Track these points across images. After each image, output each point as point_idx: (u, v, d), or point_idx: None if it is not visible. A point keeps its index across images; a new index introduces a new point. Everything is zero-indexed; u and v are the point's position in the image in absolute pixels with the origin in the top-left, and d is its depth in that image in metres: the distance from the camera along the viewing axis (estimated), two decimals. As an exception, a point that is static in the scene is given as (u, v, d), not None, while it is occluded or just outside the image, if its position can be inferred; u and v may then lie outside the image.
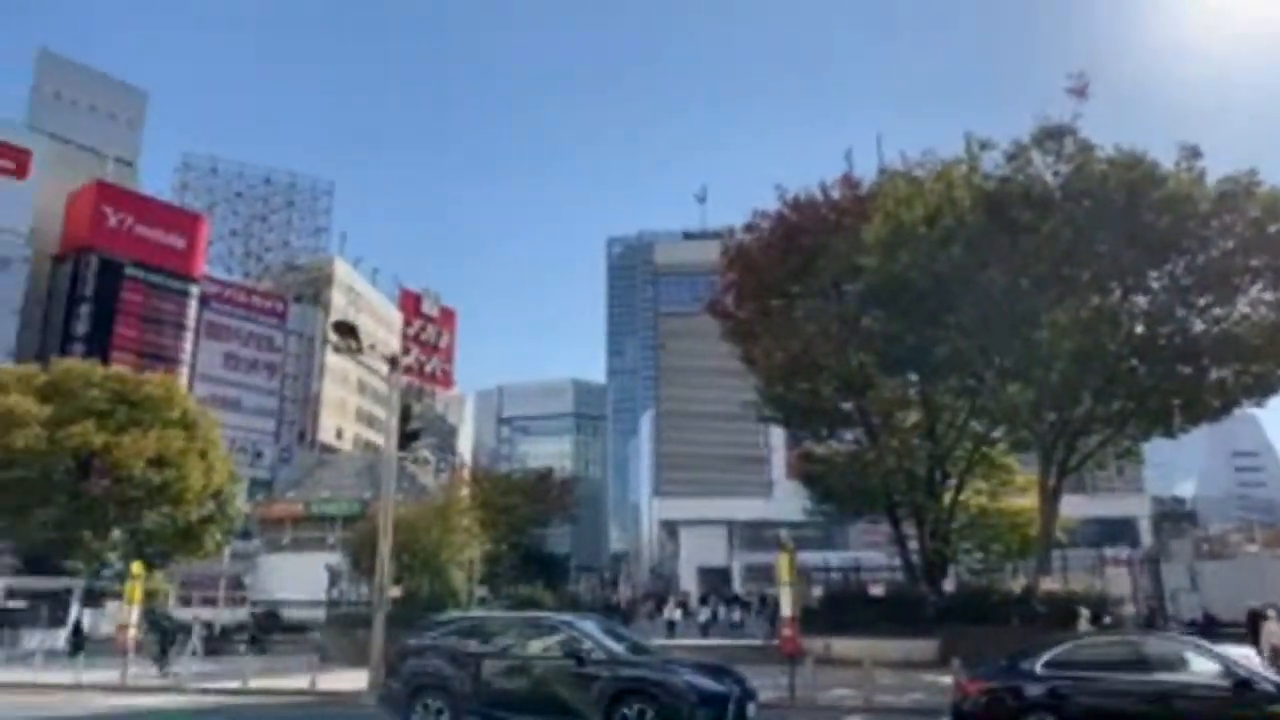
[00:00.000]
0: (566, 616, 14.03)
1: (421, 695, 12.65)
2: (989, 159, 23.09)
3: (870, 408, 29.21)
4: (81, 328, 62.04)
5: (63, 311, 63.13)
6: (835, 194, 29.19)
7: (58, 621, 31.92)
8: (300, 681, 19.49)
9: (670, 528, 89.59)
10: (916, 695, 17.08)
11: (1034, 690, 10.82)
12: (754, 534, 72.21)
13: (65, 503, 35.09)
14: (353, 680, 18.93)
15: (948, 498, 28.21)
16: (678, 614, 39.24)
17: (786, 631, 17.53)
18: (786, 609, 17.59)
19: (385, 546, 19.88)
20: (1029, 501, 29.45)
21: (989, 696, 11.20)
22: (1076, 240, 21.50)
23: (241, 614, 37.70)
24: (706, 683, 11.77)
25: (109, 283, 63.78)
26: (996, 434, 28.10)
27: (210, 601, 40.62)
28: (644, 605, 56.64)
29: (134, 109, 78.63)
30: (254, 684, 19.79)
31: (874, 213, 24.04)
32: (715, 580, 68.20)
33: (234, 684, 20.06)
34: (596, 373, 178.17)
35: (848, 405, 29.77)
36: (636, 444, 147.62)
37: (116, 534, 38.50)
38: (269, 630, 34.49)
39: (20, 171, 62.61)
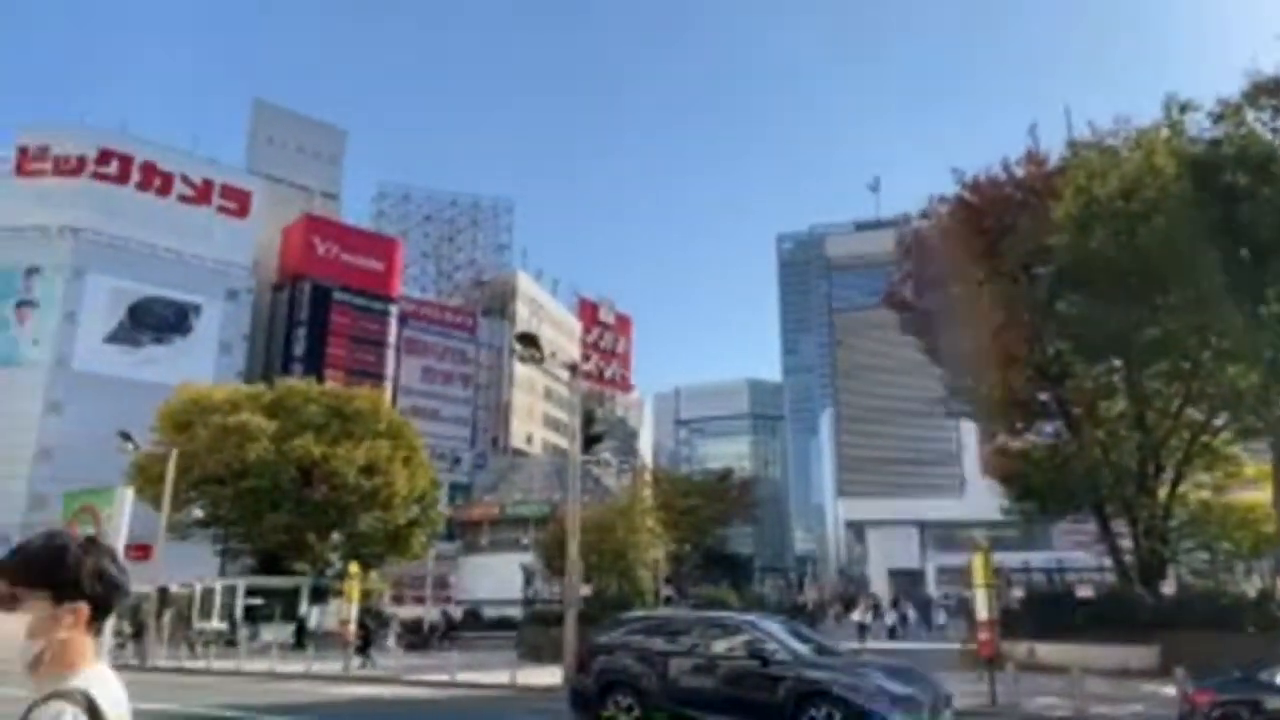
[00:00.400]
0: (750, 616, 14.03)
1: (612, 691, 13.02)
2: (1192, 122, 21.12)
3: (1069, 397, 27.28)
4: (299, 349, 68.25)
5: (283, 335, 69.78)
6: (1019, 172, 27.54)
7: (289, 617, 35.33)
8: (501, 676, 20.56)
9: (857, 529, 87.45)
10: (1135, 707, 15.81)
11: (1277, 704, 9.72)
12: (947, 535, 69.28)
13: (291, 508, 38.81)
14: (549, 675, 19.77)
15: (1163, 492, 25.88)
16: (868, 617, 38.16)
17: (984, 635, 16.71)
18: (983, 611, 16.77)
19: (573, 547, 20.62)
20: (1262, 495, 26.62)
21: (1222, 710, 10.18)
22: (1306, 203, 19.23)
23: (435, 612, 40.30)
24: (897, 686, 11.37)
25: (320, 306, 69.77)
26: (1218, 421, 25.53)
27: (420, 600, 43.73)
28: (832, 607, 55.50)
29: (335, 146, 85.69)
30: (460, 678, 21.11)
31: (1063, 189, 22.53)
32: (906, 583, 65.93)
33: (443, 677, 21.46)
34: (771, 372, 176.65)
35: (1044, 396, 27.97)
36: (817, 443, 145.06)
37: (336, 536, 42.17)
38: (459, 627, 36.94)
39: (242, 211, 69.69)
